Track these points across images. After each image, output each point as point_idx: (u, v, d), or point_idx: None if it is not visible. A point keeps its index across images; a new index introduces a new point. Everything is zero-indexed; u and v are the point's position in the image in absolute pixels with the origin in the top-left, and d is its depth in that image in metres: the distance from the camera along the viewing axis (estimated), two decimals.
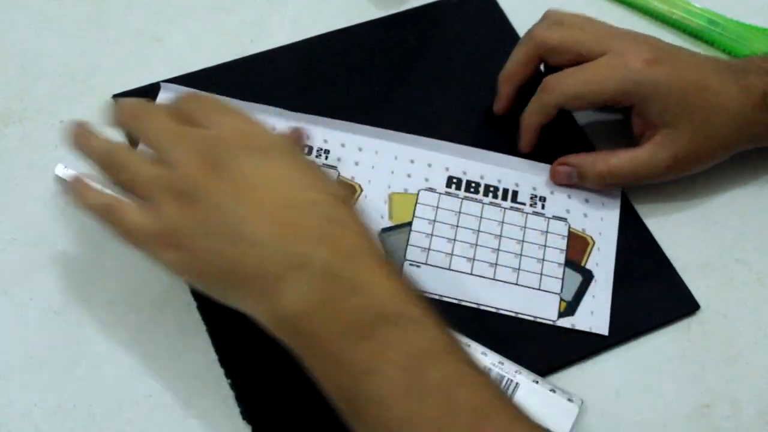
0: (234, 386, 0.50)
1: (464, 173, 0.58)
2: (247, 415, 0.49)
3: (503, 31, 0.64)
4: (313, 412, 0.49)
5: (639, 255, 0.56)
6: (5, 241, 0.54)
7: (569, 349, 0.52)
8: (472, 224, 0.56)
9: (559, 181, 0.57)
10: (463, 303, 0.53)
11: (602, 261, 0.55)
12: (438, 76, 0.61)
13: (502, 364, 0.50)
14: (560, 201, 0.57)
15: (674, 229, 0.57)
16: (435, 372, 0.40)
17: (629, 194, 0.58)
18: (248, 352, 0.51)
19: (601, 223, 0.57)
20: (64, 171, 0.55)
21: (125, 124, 0.50)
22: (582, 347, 0.53)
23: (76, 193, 0.48)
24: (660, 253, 0.56)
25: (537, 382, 0.50)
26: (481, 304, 0.53)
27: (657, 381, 0.52)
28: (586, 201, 0.57)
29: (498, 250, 0.55)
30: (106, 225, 0.47)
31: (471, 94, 0.61)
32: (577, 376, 0.52)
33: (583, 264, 0.55)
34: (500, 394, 0.43)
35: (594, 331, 0.53)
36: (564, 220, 0.57)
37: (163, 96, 0.59)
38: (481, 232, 0.56)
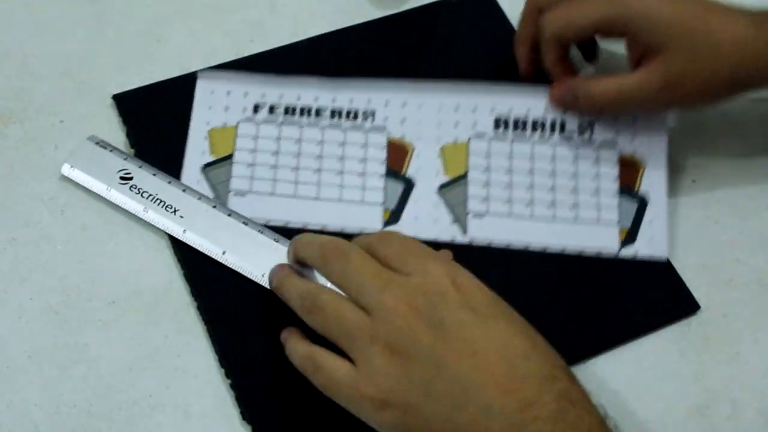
0: (234, 386, 0.50)
1: (510, 110, 0.58)
2: (247, 415, 0.49)
3: (503, 31, 0.64)
4: (313, 412, 0.49)
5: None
6: (5, 241, 0.54)
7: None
8: (525, 166, 0.56)
9: (557, 101, 0.57)
10: (531, 248, 0.54)
11: (654, 184, 0.56)
12: (438, 76, 0.61)
13: None
14: (608, 125, 0.56)
15: (674, 228, 0.57)
16: None
17: None
18: (248, 352, 0.51)
19: (650, 144, 0.57)
20: (69, 171, 0.55)
21: (314, 265, 0.46)
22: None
23: (285, 344, 0.47)
24: None
25: None
26: (548, 247, 0.55)
27: (657, 381, 0.52)
28: (634, 121, 0.57)
29: (554, 188, 0.56)
30: (310, 378, 0.45)
31: None
32: (578, 376, 0.52)
33: (636, 190, 0.56)
34: None
35: (655, 256, 0.55)
36: (614, 146, 0.57)
37: (202, 85, 0.59)
38: (536, 173, 0.56)
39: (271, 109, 0.58)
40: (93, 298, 0.52)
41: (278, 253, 0.53)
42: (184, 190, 0.55)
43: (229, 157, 0.57)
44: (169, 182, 0.55)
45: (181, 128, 0.58)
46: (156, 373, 0.50)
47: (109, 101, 0.59)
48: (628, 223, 0.55)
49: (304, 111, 0.58)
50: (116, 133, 0.58)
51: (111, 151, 0.56)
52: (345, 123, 0.58)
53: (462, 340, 0.41)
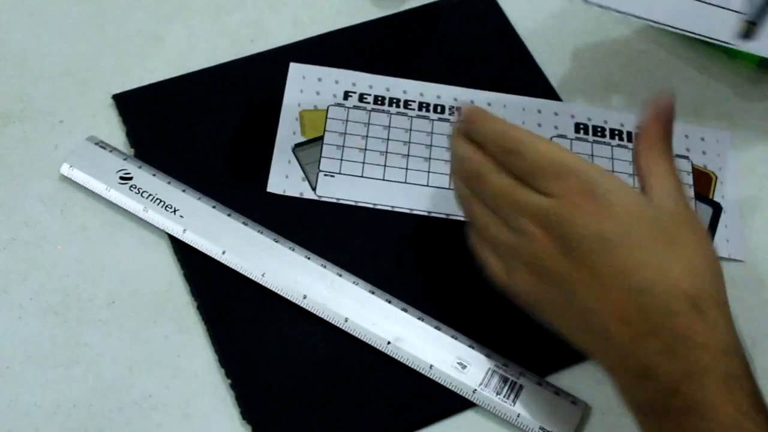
0: (234, 386, 0.50)
1: (589, 120, 0.60)
2: (247, 415, 0.49)
3: (503, 31, 0.64)
4: (313, 412, 0.49)
5: None
6: (5, 241, 0.54)
7: None
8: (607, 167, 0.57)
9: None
10: None
11: (728, 193, 0.58)
12: (438, 76, 0.61)
13: (506, 366, 0.50)
14: (678, 139, 0.55)
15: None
16: None
17: None
18: (248, 352, 0.51)
19: (719, 159, 0.59)
20: (69, 171, 0.55)
21: (458, 179, 0.49)
22: None
23: (467, 123, 0.48)
24: None
25: (541, 384, 0.50)
26: None
27: None
28: (702, 139, 0.60)
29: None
30: (463, 199, 0.49)
31: None
32: (581, 377, 0.52)
33: (711, 197, 0.58)
34: None
35: (733, 257, 0.56)
36: (686, 157, 0.59)
37: (294, 69, 0.61)
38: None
39: (361, 98, 0.60)
40: (93, 298, 0.52)
41: (278, 253, 0.53)
42: (184, 191, 0.55)
43: (320, 138, 0.58)
44: (169, 182, 0.55)
45: (181, 128, 0.58)
46: (156, 373, 0.50)
47: (109, 101, 0.59)
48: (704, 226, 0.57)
49: (393, 101, 0.60)
50: (116, 133, 0.58)
51: (111, 151, 0.56)
52: (432, 115, 0.59)
53: (589, 270, 0.43)
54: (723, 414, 0.40)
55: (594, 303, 0.43)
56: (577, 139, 0.59)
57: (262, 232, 0.54)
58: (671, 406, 0.41)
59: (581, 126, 0.59)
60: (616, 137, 0.59)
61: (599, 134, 0.59)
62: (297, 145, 0.58)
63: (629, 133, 0.59)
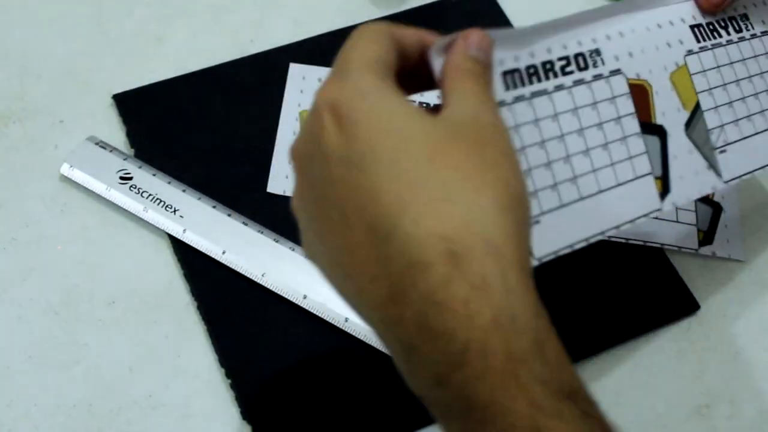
0: (234, 386, 0.50)
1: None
2: (247, 415, 0.49)
3: None
4: (313, 412, 0.50)
5: (639, 255, 0.56)
6: (5, 241, 0.54)
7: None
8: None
9: None
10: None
11: (728, 194, 0.58)
12: None
13: None
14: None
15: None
16: None
17: None
18: (248, 352, 0.51)
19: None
20: (69, 171, 0.55)
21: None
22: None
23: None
24: (660, 253, 0.56)
25: None
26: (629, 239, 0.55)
27: (657, 381, 0.52)
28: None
29: None
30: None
31: None
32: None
33: (711, 197, 0.58)
34: None
35: (732, 257, 0.56)
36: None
37: (294, 70, 0.61)
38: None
39: None
40: (93, 298, 0.52)
41: (278, 252, 0.53)
42: (184, 191, 0.55)
43: None
44: (169, 182, 0.55)
45: (181, 128, 0.58)
46: (156, 373, 0.50)
47: (109, 101, 0.59)
48: (705, 226, 0.57)
49: None
50: (116, 133, 0.58)
51: (111, 151, 0.56)
52: None
53: (339, 195, 0.33)
54: (512, 413, 0.29)
55: (337, 240, 0.33)
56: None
57: (262, 232, 0.54)
58: (447, 402, 0.30)
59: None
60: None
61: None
62: None
63: None
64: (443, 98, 0.35)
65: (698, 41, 0.48)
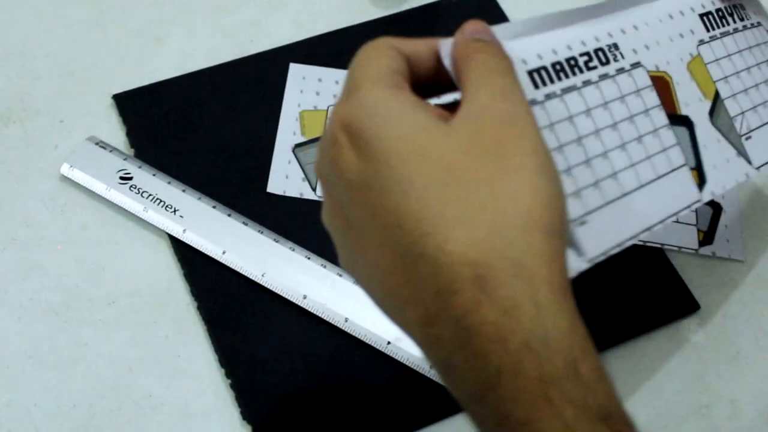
0: (234, 386, 0.50)
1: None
2: (247, 415, 0.49)
3: None
4: (313, 412, 0.49)
5: (639, 255, 0.56)
6: (5, 241, 0.54)
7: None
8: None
9: None
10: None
11: (728, 194, 0.58)
12: None
13: None
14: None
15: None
16: None
17: None
18: (248, 352, 0.51)
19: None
20: (69, 171, 0.55)
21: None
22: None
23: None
24: (660, 253, 0.56)
25: None
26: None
27: (657, 381, 0.52)
28: None
29: None
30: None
31: None
32: None
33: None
34: None
35: (732, 257, 0.56)
36: None
37: (294, 69, 0.61)
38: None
39: None
40: (93, 298, 0.52)
41: (278, 253, 0.53)
42: (183, 190, 0.55)
43: (320, 138, 0.58)
44: (169, 182, 0.55)
45: (181, 128, 0.58)
46: (156, 373, 0.50)
47: (109, 101, 0.59)
48: (705, 226, 0.57)
49: None
50: (116, 133, 0.58)
51: (111, 151, 0.56)
52: None
53: (367, 213, 0.32)
54: None
55: (372, 262, 0.33)
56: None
57: (262, 232, 0.54)
58: (485, 417, 0.31)
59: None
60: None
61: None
62: (297, 145, 0.58)
63: None
64: (462, 93, 0.34)
65: (707, 30, 0.47)
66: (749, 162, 0.46)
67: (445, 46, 0.37)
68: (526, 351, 0.29)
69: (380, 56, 0.35)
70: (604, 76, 0.41)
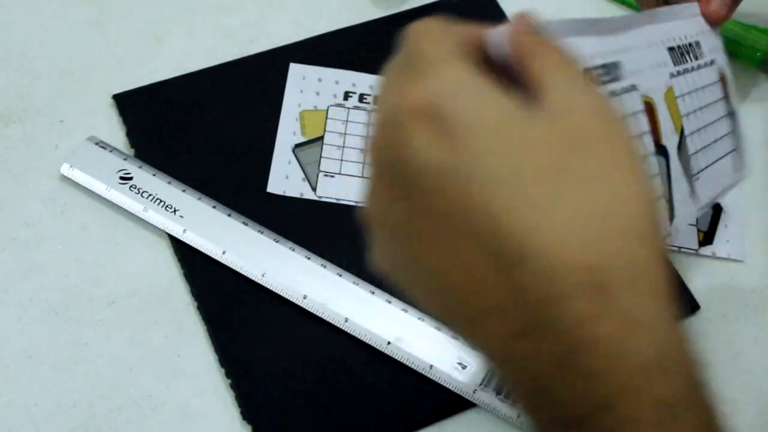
0: (234, 386, 0.50)
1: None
2: (247, 415, 0.49)
3: None
4: (313, 412, 0.49)
5: None
6: (5, 241, 0.54)
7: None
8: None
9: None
10: None
11: (728, 194, 0.56)
12: None
13: None
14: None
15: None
16: None
17: None
18: (248, 352, 0.51)
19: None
20: (69, 171, 0.55)
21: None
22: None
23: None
24: None
25: None
26: None
27: None
28: None
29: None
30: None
31: None
32: None
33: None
34: None
35: (732, 257, 0.56)
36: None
37: (294, 69, 0.61)
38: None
39: (361, 98, 0.60)
40: (93, 298, 0.52)
41: (278, 253, 0.53)
42: (184, 190, 0.55)
43: (320, 138, 0.58)
44: (169, 182, 0.55)
45: (181, 128, 0.58)
46: (156, 373, 0.50)
47: (109, 101, 0.59)
48: (705, 226, 0.57)
49: None
50: (116, 133, 0.58)
51: (111, 151, 0.56)
52: None
53: (430, 216, 0.28)
54: None
55: (442, 261, 0.28)
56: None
57: (262, 232, 0.54)
58: None
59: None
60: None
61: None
62: (297, 146, 0.58)
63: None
64: (534, 85, 0.29)
65: (674, 64, 0.46)
66: (696, 202, 0.46)
67: (498, 34, 0.34)
68: (647, 371, 0.26)
69: (451, 29, 0.31)
70: (613, 93, 0.40)
